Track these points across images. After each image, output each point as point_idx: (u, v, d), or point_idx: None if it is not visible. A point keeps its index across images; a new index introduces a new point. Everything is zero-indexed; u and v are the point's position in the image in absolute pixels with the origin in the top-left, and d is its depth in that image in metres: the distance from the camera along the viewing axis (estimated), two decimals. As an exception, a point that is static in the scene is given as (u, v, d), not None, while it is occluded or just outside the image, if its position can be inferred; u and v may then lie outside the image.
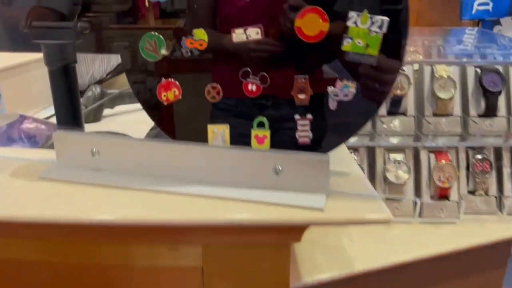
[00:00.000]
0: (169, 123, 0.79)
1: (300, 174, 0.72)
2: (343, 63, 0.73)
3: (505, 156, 1.23)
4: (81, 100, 1.54)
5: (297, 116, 0.75)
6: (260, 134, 0.76)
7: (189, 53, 0.74)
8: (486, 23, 3.14)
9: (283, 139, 0.76)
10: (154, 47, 0.75)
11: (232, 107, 0.77)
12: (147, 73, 0.77)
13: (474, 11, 3.03)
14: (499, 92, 1.18)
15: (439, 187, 1.19)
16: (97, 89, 1.59)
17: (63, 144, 0.80)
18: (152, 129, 1.12)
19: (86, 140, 0.79)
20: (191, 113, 0.78)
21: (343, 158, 0.89)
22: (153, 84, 0.76)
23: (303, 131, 0.76)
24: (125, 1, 0.79)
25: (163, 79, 0.76)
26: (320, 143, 0.76)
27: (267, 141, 0.77)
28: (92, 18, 0.83)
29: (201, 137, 0.77)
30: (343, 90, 0.73)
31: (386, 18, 0.70)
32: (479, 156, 1.22)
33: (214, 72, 0.76)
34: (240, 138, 0.77)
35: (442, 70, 1.18)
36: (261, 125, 0.76)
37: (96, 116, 1.58)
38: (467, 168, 1.25)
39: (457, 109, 1.20)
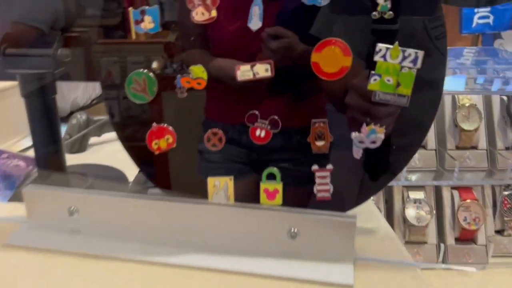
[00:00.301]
0: (162, 176, 0.67)
1: (321, 239, 0.61)
2: (369, 104, 0.62)
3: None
4: (65, 128, 1.42)
5: (315, 167, 0.64)
6: (271, 188, 0.65)
7: (185, 94, 0.63)
8: (487, 36, 3.07)
9: (298, 194, 0.65)
10: (143, 86, 0.64)
11: (235, 156, 0.65)
12: (134, 118, 0.65)
13: (474, 24, 2.95)
14: (530, 122, 1.09)
15: (465, 229, 1.08)
16: (82, 116, 1.46)
17: (35, 201, 0.68)
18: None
19: (63, 196, 0.67)
20: (188, 164, 0.66)
21: (363, 207, 0.77)
22: (142, 130, 0.65)
23: (323, 184, 0.64)
24: (112, 21, 0.68)
25: (154, 124, 0.64)
26: (343, 199, 0.64)
27: (279, 197, 0.65)
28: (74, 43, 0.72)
29: (201, 191, 0.65)
30: (369, 136, 0.62)
31: (420, 52, 0.59)
32: (506, 192, 1.11)
33: (215, 115, 0.64)
34: (246, 190, 0.65)
35: (465, 98, 1.07)
36: (271, 177, 0.64)
37: (81, 146, 1.45)
38: (493, 205, 1.14)
39: (482, 142, 1.10)
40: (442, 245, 1.02)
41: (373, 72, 0.60)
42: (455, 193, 1.10)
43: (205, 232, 0.64)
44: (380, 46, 0.59)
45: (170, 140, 0.65)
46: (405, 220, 1.06)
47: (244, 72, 0.62)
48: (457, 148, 1.08)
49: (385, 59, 0.60)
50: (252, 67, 0.61)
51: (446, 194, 1.09)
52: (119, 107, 0.66)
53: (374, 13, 0.58)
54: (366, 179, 0.63)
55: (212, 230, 0.63)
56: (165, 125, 0.65)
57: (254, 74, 0.62)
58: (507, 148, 1.10)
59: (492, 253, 1.08)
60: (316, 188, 0.64)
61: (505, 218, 1.11)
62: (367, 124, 0.62)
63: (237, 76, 0.62)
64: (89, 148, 1.50)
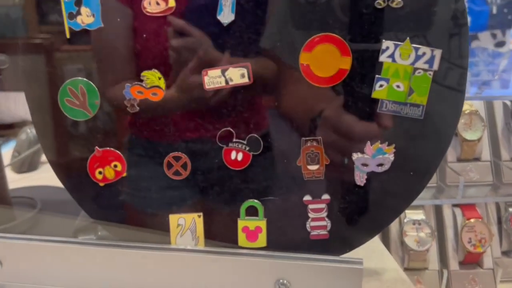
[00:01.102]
0: (109, 213, 0.53)
1: (318, 292, 0.48)
2: (373, 116, 0.50)
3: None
4: (13, 144, 1.26)
5: (307, 198, 0.51)
6: (252, 225, 0.52)
7: (137, 108, 0.50)
8: (464, 38, 3.04)
9: (286, 232, 0.52)
10: (82, 100, 0.50)
11: (206, 183, 0.52)
12: (70, 139, 0.51)
13: (451, 26, 2.92)
14: (537, 130, 1.00)
15: (470, 252, 0.97)
16: (32, 131, 1.31)
17: None
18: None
19: (-21, 244, 0.52)
20: (143, 198, 0.53)
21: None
22: (81, 155, 0.51)
23: (318, 219, 0.52)
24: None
25: (97, 149, 0.51)
26: (343, 237, 0.52)
27: (263, 237, 0.52)
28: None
29: (162, 231, 0.52)
30: (376, 157, 0.50)
31: (437, 50, 0.47)
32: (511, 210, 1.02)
33: (176, 135, 0.51)
34: (220, 230, 0.53)
35: (466, 104, 0.98)
36: (252, 211, 0.52)
37: (32, 164, 1.29)
38: (498, 221, 1.05)
39: (486, 152, 1.00)
40: (445, 271, 0.91)
41: (378, 76, 0.48)
42: (458, 211, 1.00)
43: (167, 285, 0.50)
44: (387, 43, 0.48)
45: (119, 167, 0.51)
46: (403, 244, 0.95)
47: (214, 78, 0.49)
48: (459, 160, 0.97)
49: (393, 60, 0.48)
50: (223, 72, 0.49)
51: (447, 212, 0.98)
52: (52, 126, 0.52)
53: (377, 1, 0.47)
54: (374, 210, 0.51)
55: (176, 283, 0.50)
56: (112, 148, 0.51)
57: (226, 81, 0.49)
58: (512, 159, 1.00)
59: (500, 277, 0.98)
60: (309, 224, 0.52)
61: (512, 238, 1.01)
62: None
63: (204, 83, 0.49)
64: (41, 166, 1.34)
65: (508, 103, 1.02)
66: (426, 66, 0.48)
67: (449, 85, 0.49)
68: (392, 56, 0.48)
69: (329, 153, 0.50)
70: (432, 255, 0.99)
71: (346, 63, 0.49)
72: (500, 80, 1.21)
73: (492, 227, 1.03)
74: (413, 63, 0.48)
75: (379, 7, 0.47)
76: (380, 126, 0.49)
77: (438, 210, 1.00)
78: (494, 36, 1.57)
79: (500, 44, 1.40)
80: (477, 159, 1.01)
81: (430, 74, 0.48)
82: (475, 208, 1.00)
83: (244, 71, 0.49)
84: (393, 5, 0.47)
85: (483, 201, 0.97)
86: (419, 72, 0.48)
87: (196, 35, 0.49)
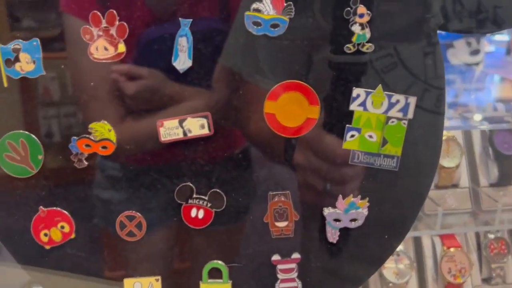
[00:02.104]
0: (57, 279, 0.48)
1: None
2: (344, 167, 0.47)
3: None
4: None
5: (275, 257, 0.48)
6: (215, 289, 0.48)
7: (85, 164, 0.45)
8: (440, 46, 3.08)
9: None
10: (24, 154, 0.46)
11: (163, 243, 0.48)
12: (11, 198, 0.47)
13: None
14: (515, 155, 0.99)
15: (450, 283, 0.96)
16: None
17: None
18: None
19: None
20: (94, 262, 0.48)
21: None
22: (24, 217, 0.47)
23: (288, 280, 0.48)
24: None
25: (42, 209, 0.47)
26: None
27: (228, 301, 0.48)
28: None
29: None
30: (348, 212, 0.47)
31: (412, 97, 0.45)
32: (492, 236, 1.01)
33: (130, 191, 0.47)
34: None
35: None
36: (215, 274, 0.48)
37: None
38: (477, 247, 1.04)
39: (464, 179, 0.99)
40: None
41: (349, 126, 0.46)
42: (437, 240, 0.98)
43: None
44: (358, 90, 0.45)
45: (66, 229, 0.47)
46: (382, 276, 0.92)
47: (170, 130, 0.45)
48: (437, 187, 0.96)
49: (365, 108, 0.46)
50: (181, 122, 0.45)
51: (426, 242, 0.97)
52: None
53: (347, 45, 0.44)
54: (348, 267, 0.48)
55: None
56: (58, 208, 0.47)
57: (185, 132, 0.45)
58: (491, 185, 0.99)
59: (481, 307, 0.96)
60: (278, 286, 0.48)
61: (492, 265, 1.00)
62: (327, 190, 0.47)
63: (160, 135, 0.45)
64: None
65: (486, 123, 1.01)
66: (400, 115, 0.46)
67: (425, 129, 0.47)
68: (363, 104, 0.46)
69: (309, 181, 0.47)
70: (411, 287, 0.97)
71: (314, 112, 0.46)
72: (476, 100, 1.20)
73: (471, 255, 1.02)
74: (386, 112, 0.46)
75: (349, 52, 0.45)
76: None
77: (417, 239, 0.98)
78: (469, 44, 1.58)
79: (475, 52, 1.41)
80: (455, 185, 0.99)
81: (404, 123, 0.46)
82: (454, 237, 0.99)
83: (204, 121, 0.46)
84: (364, 49, 0.44)
85: (463, 231, 0.96)
86: (392, 121, 0.46)
87: (146, 74, 0.45)
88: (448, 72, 1.38)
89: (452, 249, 0.97)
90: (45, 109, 0.47)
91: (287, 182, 0.47)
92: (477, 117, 1.04)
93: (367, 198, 0.47)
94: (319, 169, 0.46)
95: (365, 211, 0.47)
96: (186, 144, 0.46)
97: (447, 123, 1.01)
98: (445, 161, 0.96)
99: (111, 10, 0.43)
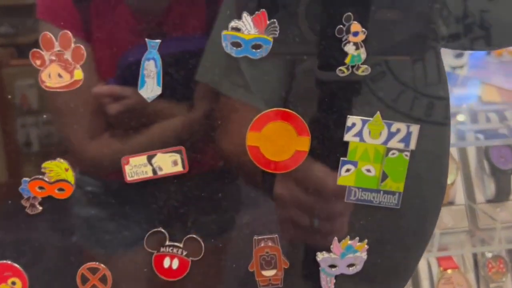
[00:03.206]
0: None
1: None
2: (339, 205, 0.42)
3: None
4: None
5: (263, 310, 0.42)
6: None
7: (39, 209, 0.39)
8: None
9: None
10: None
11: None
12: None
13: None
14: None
15: (449, 306, 0.91)
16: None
17: None
18: None
19: None
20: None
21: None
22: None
23: (277, 336, 0.43)
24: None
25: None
26: None
27: None
28: None
29: None
30: (345, 257, 0.42)
31: (415, 126, 0.40)
32: (490, 255, 0.97)
33: (92, 239, 0.41)
34: None
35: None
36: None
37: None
38: (475, 266, 1.00)
39: (460, 196, 0.95)
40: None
41: (344, 159, 0.40)
42: (433, 261, 0.93)
43: None
44: (353, 119, 0.40)
45: (18, 285, 0.41)
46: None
47: (137, 167, 0.39)
48: (431, 205, 0.91)
49: (361, 139, 0.40)
50: (150, 159, 0.39)
51: (422, 263, 0.93)
52: None
53: (340, 68, 0.39)
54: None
55: None
56: (8, 261, 0.40)
57: (154, 170, 0.39)
58: (488, 201, 0.95)
59: (480, 331, 0.92)
60: None
61: (491, 285, 0.97)
62: (320, 233, 0.41)
63: (125, 175, 0.39)
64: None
65: (481, 136, 0.98)
66: (401, 146, 0.41)
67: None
68: (359, 134, 0.41)
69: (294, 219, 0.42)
70: (407, 311, 0.92)
71: (303, 143, 0.40)
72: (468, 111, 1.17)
73: (469, 274, 0.98)
74: (385, 142, 0.41)
75: (342, 75, 0.39)
76: None
77: (412, 260, 0.94)
78: (452, 46, 1.53)
79: (460, 54, 1.38)
80: (451, 203, 0.95)
81: (406, 156, 0.41)
82: (451, 257, 0.95)
83: (177, 157, 0.40)
84: (359, 72, 0.39)
85: (460, 253, 0.92)
86: (393, 153, 0.41)
87: (129, 94, 0.39)
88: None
89: (449, 271, 0.93)
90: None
91: (275, 224, 0.41)
92: (460, 117, 1.01)
93: (366, 240, 0.42)
94: (311, 208, 0.41)
95: (363, 255, 0.42)
96: (156, 183, 0.40)
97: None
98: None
99: (65, 31, 0.38)
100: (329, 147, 0.40)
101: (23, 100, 0.43)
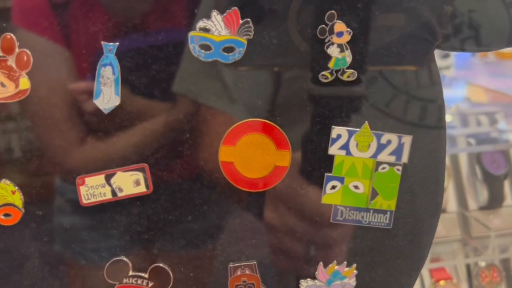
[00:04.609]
0: None
1: None
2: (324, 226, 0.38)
3: (516, 258, 0.96)
4: None
5: None
6: None
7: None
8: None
9: None
10: None
11: None
12: None
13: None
14: (505, 176, 0.92)
15: (442, 321, 0.88)
16: None
17: None
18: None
19: None
20: None
21: None
22: None
23: None
24: None
25: None
26: None
27: None
28: None
29: None
30: (332, 284, 0.38)
31: (407, 136, 0.36)
32: (483, 264, 0.94)
33: (45, 269, 0.37)
34: None
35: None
36: None
37: None
38: (468, 275, 0.97)
39: (451, 203, 0.92)
40: None
41: (329, 174, 0.36)
42: (425, 271, 0.90)
43: None
44: (339, 129, 0.36)
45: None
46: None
47: (94, 189, 0.35)
48: (422, 213, 0.88)
49: (348, 152, 0.36)
50: (108, 178, 0.35)
51: (413, 274, 0.88)
52: None
53: (323, 73, 0.35)
54: None
55: None
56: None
57: (114, 192, 0.35)
58: (481, 208, 0.92)
59: None
60: None
61: (485, 295, 0.92)
62: (305, 257, 0.37)
63: (80, 197, 0.34)
64: None
65: (472, 141, 0.95)
66: (392, 159, 0.37)
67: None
68: (346, 146, 0.36)
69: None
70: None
71: (284, 158, 0.36)
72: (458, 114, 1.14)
73: (462, 284, 0.95)
74: (374, 156, 0.37)
75: (325, 80, 0.35)
76: None
77: (403, 272, 0.91)
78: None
79: (446, 55, 1.37)
80: (443, 210, 0.92)
81: (398, 170, 0.37)
82: (444, 269, 0.92)
83: (139, 176, 0.35)
84: (344, 77, 0.35)
85: (452, 263, 0.89)
86: (383, 168, 0.37)
87: None
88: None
89: (441, 282, 0.90)
90: None
91: (253, 249, 0.37)
92: (448, 117, 0.98)
93: (355, 265, 0.38)
94: (293, 231, 0.37)
95: (352, 281, 0.38)
96: (116, 205, 0.35)
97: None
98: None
99: (6, 34, 0.33)
100: (313, 162, 0.36)
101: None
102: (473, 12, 0.41)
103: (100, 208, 0.36)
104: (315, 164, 0.36)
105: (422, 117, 0.41)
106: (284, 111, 0.37)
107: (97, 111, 0.36)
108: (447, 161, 0.91)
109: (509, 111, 1.09)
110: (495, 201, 0.94)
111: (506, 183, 0.95)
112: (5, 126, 0.38)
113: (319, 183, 0.37)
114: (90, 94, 0.36)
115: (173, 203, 0.36)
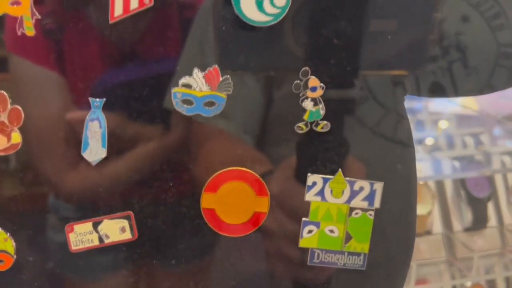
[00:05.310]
0: None
1: None
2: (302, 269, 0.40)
3: (499, 278, 0.98)
4: None
5: None
6: None
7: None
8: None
9: None
10: None
11: None
12: None
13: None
14: (488, 198, 0.94)
15: None
16: None
17: None
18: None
19: None
20: None
21: None
22: None
23: None
24: None
25: None
26: None
27: None
28: None
29: None
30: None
31: (378, 183, 0.38)
32: (469, 283, 0.96)
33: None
34: None
35: (412, 173, 0.91)
36: None
37: None
38: (453, 293, 0.98)
39: (437, 224, 0.94)
40: None
41: (305, 219, 0.38)
42: (411, 292, 0.91)
43: None
44: (314, 177, 0.38)
45: None
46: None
47: (83, 235, 0.37)
48: (409, 235, 0.90)
49: (323, 198, 0.38)
50: (96, 226, 0.37)
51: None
52: None
53: (298, 124, 0.37)
54: None
55: None
56: None
57: (101, 238, 0.37)
58: (465, 230, 0.94)
59: None
60: None
61: (471, 314, 0.94)
62: None
63: (70, 244, 0.36)
64: None
65: (457, 165, 0.97)
66: (365, 205, 0.39)
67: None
68: (321, 193, 0.39)
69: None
70: None
71: (263, 204, 0.38)
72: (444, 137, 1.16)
73: (448, 304, 0.96)
74: (348, 201, 0.39)
75: (301, 131, 0.37)
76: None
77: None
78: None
79: None
80: (428, 232, 0.94)
81: (370, 215, 0.39)
82: (429, 288, 0.93)
83: (125, 223, 0.37)
84: (318, 128, 0.37)
85: (439, 285, 0.91)
86: (356, 213, 0.39)
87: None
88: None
89: (428, 304, 0.92)
90: None
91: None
92: (429, 140, 1.01)
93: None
94: (272, 274, 0.39)
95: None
96: (103, 251, 0.37)
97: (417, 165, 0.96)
98: (417, 209, 0.90)
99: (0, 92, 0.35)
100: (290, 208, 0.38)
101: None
102: (460, 35, 0.43)
103: (88, 252, 0.38)
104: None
105: (410, 136, 0.43)
106: (276, 129, 0.39)
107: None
108: (432, 183, 0.93)
109: (495, 126, 1.11)
110: (479, 223, 0.96)
111: (490, 204, 0.97)
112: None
113: (297, 228, 0.39)
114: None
115: (157, 248, 0.38)
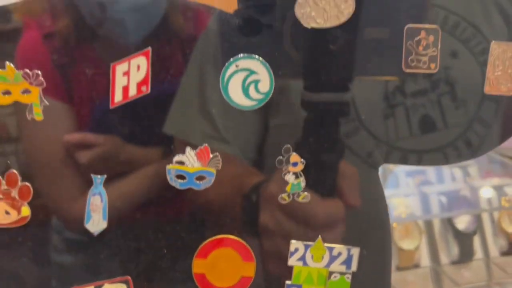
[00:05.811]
0: None
1: None
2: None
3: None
4: None
5: None
6: None
7: None
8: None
9: None
10: None
11: None
12: None
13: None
14: (474, 232, 0.98)
15: None
16: None
17: None
18: None
19: None
20: None
21: None
22: None
23: None
24: None
25: None
26: None
27: None
28: None
29: None
30: None
31: (355, 248, 0.42)
32: (457, 315, 0.99)
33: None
34: None
35: (401, 206, 0.95)
36: None
37: None
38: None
39: (425, 258, 0.97)
40: None
41: (288, 282, 0.42)
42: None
43: None
44: (296, 244, 0.41)
45: None
46: None
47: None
48: (398, 268, 0.93)
49: (304, 263, 0.42)
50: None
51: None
52: None
53: (282, 195, 0.41)
54: None
55: None
56: None
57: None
58: (453, 263, 0.97)
59: None
60: None
61: None
62: None
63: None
64: None
65: (444, 200, 1.00)
66: (342, 268, 0.43)
67: None
68: (302, 258, 0.42)
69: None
70: None
71: (249, 269, 0.42)
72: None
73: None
74: (327, 265, 0.43)
75: (284, 202, 0.41)
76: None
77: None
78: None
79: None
80: (417, 265, 0.97)
81: (348, 278, 0.43)
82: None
83: (123, 287, 0.41)
84: (300, 199, 0.41)
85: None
86: (335, 277, 0.43)
87: (101, 142, 0.41)
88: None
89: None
90: None
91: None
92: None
93: None
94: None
95: None
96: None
97: (406, 201, 0.99)
98: (404, 243, 0.94)
99: (11, 170, 0.39)
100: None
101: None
102: (449, 69, 0.46)
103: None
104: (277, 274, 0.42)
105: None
106: (272, 155, 0.42)
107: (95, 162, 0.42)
108: (420, 213, 0.97)
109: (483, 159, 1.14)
110: (465, 256, 0.99)
111: (476, 237, 1.00)
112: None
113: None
114: (85, 146, 0.42)
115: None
